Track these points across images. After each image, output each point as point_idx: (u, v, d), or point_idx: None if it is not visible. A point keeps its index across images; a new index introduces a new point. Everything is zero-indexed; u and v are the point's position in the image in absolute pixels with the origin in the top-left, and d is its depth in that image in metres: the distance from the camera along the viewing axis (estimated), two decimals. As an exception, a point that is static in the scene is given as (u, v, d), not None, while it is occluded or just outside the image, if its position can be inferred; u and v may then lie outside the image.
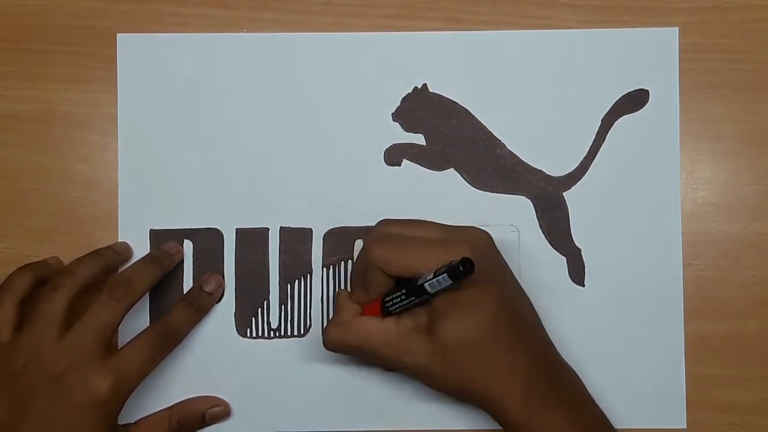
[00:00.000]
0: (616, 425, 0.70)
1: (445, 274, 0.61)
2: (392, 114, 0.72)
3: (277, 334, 0.72)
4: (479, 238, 0.66)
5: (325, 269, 0.72)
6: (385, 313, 0.66)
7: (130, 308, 0.67)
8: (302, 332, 0.72)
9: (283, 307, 0.72)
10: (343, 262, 0.72)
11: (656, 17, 0.72)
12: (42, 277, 0.69)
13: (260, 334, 0.72)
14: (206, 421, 0.71)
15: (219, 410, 0.71)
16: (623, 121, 0.72)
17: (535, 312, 0.68)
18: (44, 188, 0.72)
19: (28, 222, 0.72)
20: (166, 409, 0.71)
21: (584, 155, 0.72)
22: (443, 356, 0.63)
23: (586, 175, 0.72)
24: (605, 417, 0.67)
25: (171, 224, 0.72)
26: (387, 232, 0.67)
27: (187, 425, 0.71)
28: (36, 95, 0.73)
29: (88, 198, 0.72)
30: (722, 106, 0.72)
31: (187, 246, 0.72)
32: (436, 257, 0.63)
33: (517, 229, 0.72)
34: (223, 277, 0.72)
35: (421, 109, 0.72)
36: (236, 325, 0.72)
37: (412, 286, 0.63)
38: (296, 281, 0.72)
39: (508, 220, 0.72)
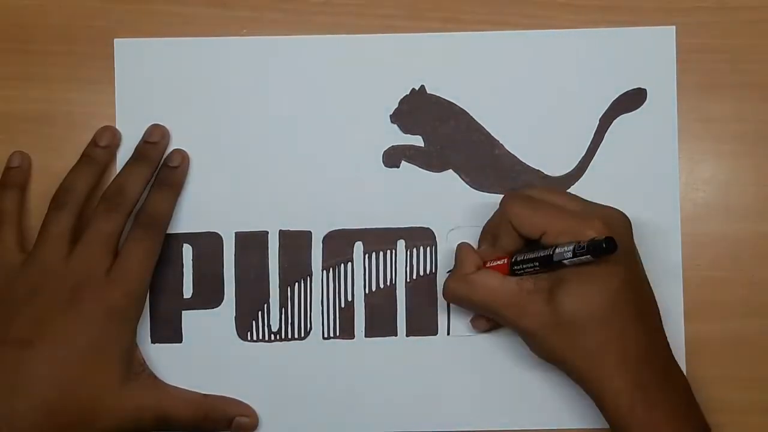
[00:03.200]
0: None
1: (585, 248, 0.61)
2: (390, 116, 0.72)
3: (278, 337, 0.72)
4: (616, 217, 0.67)
5: (324, 272, 0.72)
6: (511, 271, 0.66)
7: (130, 214, 0.69)
8: (302, 335, 0.72)
9: (283, 310, 0.72)
10: (342, 265, 0.72)
11: (656, 17, 0.72)
12: (25, 187, 0.71)
13: (260, 337, 0.72)
14: (232, 427, 0.71)
15: (247, 421, 0.71)
16: (621, 121, 0.72)
17: (657, 306, 0.67)
18: (44, 188, 0.72)
19: (28, 222, 0.72)
20: (199, 395, 0.71)
21: (582, 155, 0.72)
22: (557, 325, 0.64)
23: (584, 174, 0.72)
24: (709, 428, 0.65)
25: (170, 228, 0.72)
26: (528, 192, 0.68)
27: (213, 421, 0.71)
28: (36, 95, 0.73)
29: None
30: (722, 106, 0.72)
31: (187, 250, 0.72)
32: (571, 225, 0.64)
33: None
34: (223, 281, 0.72)
35: (419, 110, 0.72)
36: (236, 329, 0.72)
37: (546, 257, 0.63)
38: (296, 284, 0.72)
39: (508, 221, 0.72)
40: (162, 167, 0.72)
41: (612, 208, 0.67)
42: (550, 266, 0.64)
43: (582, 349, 0.64)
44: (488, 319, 0.70)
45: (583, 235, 0.63)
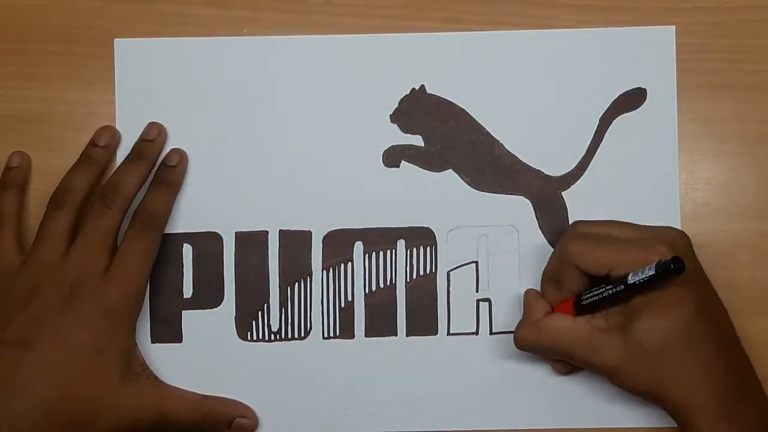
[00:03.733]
0: (616, 425, 0.71)
1: (651, 268, 0.61)
2: (390, 116, 0.72)
3: (278, 337, 0.72)
4: (677, 237, 0.67)
5: (324, 271, 0.72)
6: (579, 310, 0.66)
7: (126, 211, 0.69)
8: (302, 335, 0.72)
9: (283, 309, 0.72)
10: (342, 264, 0.72)
11: (656, 17, 0.72)
12: (24, 187, 0.71)
13: (261, 337, 0.72)
14: (232, 429, 0.71)
15: (246, 422, 0.71)
16: (621, 120, 0.72)
17: (730, 320, 0.67)
18: (44, 188, 0.72)
19: (28, 222, 0.72)
20: (200, 395, 0.71)
21: (583, 154, 0.72)
22: (635, 357, 0.63)
23: (584, 174, 0.72)
24: None
25: (170, 228, 0.72)
26: (582, 230, 0.68)
27: (213, 422, 0.71)
28: (36, 95, 0.73)
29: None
30: (722, 106, 0.72)
31: (187, 250, 0.72)
32: (635, 255, 0.64)
33: (516, 230, 0.72)
34: (223, 281, 0.72)
35: (419, 110, 0.72)
36: (236, 328, 0.72)
37: (617, 285, 0.63)
38: (296, 284, 0.72)
39: (508, 221, 0.72)
40: (160, 166, 0.72)
41: (668, 227, 0.68)
42: (620, 297, 0.64)
43: (662, 376, 0.63)
44: (567, 363, 0.70)
45: (649, 263, 0.63)
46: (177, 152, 0.72)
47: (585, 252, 0.66)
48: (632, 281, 0.63)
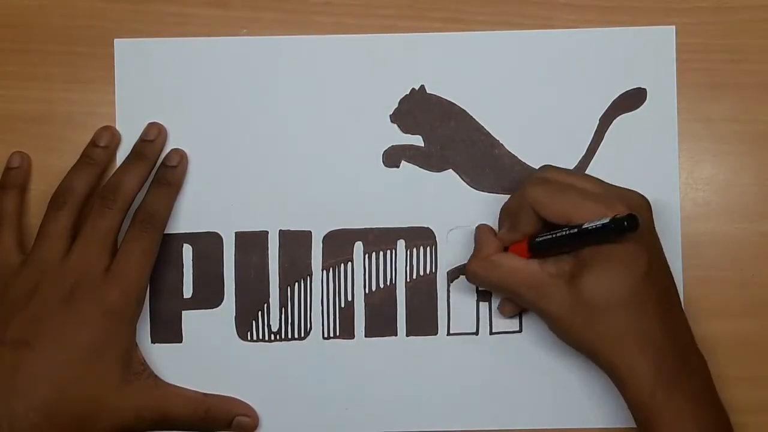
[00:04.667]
0: (616, 425, 0.71)
1: (607, 221, 0.61)
2: (390, 116, 0.72)
3: (278, 337, 0.72)
4: (638, 200, 0.67)
5: (324, 272, 0.72)
6: (532, 252, 0.66)
7: (126, 211, 0.69)
8: (302, 335, 0.72)
9: (283, 310, 0.72)
10: (342, 264, 0.72)
11: (656, 17, 0.72)
12: (24, 188, 0.72)
13: (261, 337, 0.72)
14: (232, 427, 0.71)
15: (247, 421, 0.71)
16: (621, 120, 0.72)
17: (677, 290, 0.67)
18: (44, 188, 0.72)
19: (28, 222, 0.72)
20: (200, 393, 0.71)
21: (582, 155, 0.72)
22: (579, 308, 0.64)
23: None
24: (727, 416, 0.65)
25: (170, 228, 0.72)
26: (548, 176, 0.68)
27: (213, 420, 0.70)
28: (36, 95, 0.73)
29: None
30: (722, 106, 0.72)
31: (187, 250, 0.72)
32: (594, 209, 0.64)
33: (516, 229, 0.72)
34: (223, 281, 0.72)
35: (419, 110, 0.72)
36: (237, 329, 0.72)
37: (571, 233, 0.64)
38: (296, 284, 0.72)
39: (508, 221, 0.72)
40: (160, 166, 0.72)
41: (632, 190, 0.67)
42: (574, 243, 0.64)
43: (604, 332, 0.64)
44: (515, 305, 0.70)
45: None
46: (177, 152, 0.72)
47: (545, 199, 0.66)
48: (586, 227, 0.63)
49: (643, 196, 0.67)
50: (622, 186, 0.68)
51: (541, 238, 0.66)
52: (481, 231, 0.70)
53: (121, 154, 0.72)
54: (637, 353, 0.63)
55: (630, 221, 0.61)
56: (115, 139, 0.72)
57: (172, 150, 0.72)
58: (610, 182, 0.68)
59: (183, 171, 0.72)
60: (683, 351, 0.65)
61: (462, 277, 0.72)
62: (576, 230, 0.64)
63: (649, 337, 0.63)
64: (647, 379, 0.63)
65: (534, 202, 0.66)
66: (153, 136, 0.72)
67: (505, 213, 0.70)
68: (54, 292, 0.67)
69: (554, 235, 0.65)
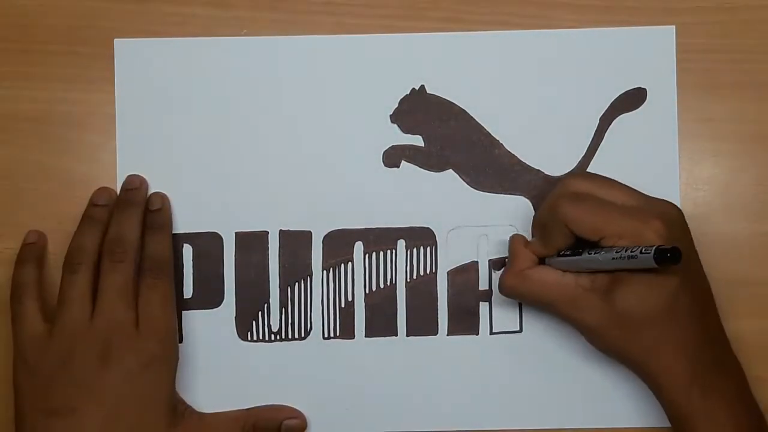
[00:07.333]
0: (616, 425, 0.71)
1: (650, 258, 0.60)
2: (390, 116, 0.72)
3: (278, 337, 0.72)
4: (673, 213, 0.66)
5: (325, 272, 0.72)
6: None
7: (136, 260, 0.69)
8: (303, 335, 0.72)
9: (283, 310, 0.72)
10: (343, 264, 0.72)
11: (656, 17, 0.72)
12: (41, 261, 0.71)
13: (261, 337, 0.72)
14: (281, 431, 0.71)
15: (296, 423, 0.71)
16: (621, 120, 0.72)
17: (713, 297, 0.67)
18: (44, 188, 0.72)
19: (29, 222, 0.72)
20: (243, 410, 0.71)
21: (582, 155, 0.72)
22: (614, 321, 0.64)
23: (585, 174, 0.72)
24: (763, 417, 0.66)
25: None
26: (579, 190, 0.67)
27: (262, 431, 0.71)
28: (36, 95, 0.73)
29: (88, 198, 0.72)
30: (722, 106, 0.72)
31: (187, 250, 0.72)
32: (629, 227, 0.63)
33: (516, 229, 0.72)
34: (224, 281, 0.72)
35: (419, 110, 0.72)
36: (237, 329, 0.72)
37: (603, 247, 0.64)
38: (296, 284, 0.72)
39: (508, 221, 0.72)
40: (147, 213, 0.71)
41: (667, 202, 0.67)
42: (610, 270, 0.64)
43: (639, 342, 0.64)
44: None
45: (642, 237, 0.63)
46: (158, 196, 0.72)
47: (579, 216, 0.65)
48: (626, 254, 0.62)
49: (675, 205, 0.67)
50: (650, 195, 0.68)
51: (578, 271, 0.66)
52: (515, 243, 0.69)
53: (122, 154, 0.72)
54: (673, 360, 0.64)
55: (674, 254, 0.60)
56: (111, 198, 0.72)
57: (152, 194, 0.72)
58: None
59: (168, 211, 0.72)
60: (719, 354, 0.65)
61: (462, 278, 0.72)
62: (612, 256, 0.62)
63: (684, 344, 0.64)
64: (683, 381, 0.63)
65: (568, 221, 0.65)
66: (136, 185, 0.72)
67: (538, 224, 0.69)
68: (90, 353, 0.67)
69: (594, 271, 0.65)
